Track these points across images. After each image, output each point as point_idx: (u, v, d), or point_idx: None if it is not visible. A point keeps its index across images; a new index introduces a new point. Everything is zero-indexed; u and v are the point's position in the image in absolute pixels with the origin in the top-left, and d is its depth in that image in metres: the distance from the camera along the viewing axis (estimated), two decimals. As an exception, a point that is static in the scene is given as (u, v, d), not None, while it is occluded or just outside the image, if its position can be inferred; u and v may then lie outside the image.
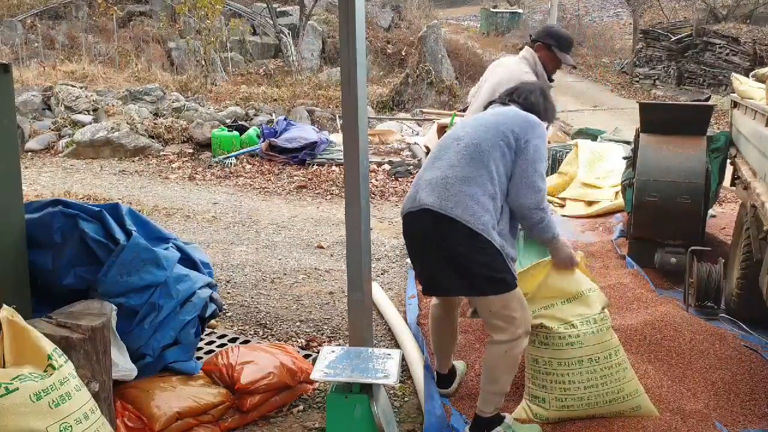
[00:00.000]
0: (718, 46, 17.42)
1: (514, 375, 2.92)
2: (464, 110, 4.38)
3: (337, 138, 9.84)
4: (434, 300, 3.25)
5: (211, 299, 3.39)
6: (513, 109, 3.01)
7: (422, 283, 3.00)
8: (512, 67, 4.10)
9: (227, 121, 11.13)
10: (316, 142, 9.61)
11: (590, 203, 6.84)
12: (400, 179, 8.72)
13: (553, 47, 4.08)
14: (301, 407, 3.31)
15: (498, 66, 4.27)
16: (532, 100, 3.07)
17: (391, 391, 3.41)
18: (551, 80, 4.24)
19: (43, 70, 15.13)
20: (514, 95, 3.10)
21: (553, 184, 7.58)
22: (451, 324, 3.26)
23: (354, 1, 2.65)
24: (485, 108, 3.21)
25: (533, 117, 2.95)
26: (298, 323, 4.34)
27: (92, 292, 2.93)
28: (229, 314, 4.42)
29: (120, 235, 3.03)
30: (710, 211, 5.81)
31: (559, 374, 2.91)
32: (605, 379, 2.92)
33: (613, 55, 23.57)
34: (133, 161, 9.81)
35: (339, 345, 3.93)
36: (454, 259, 2.77)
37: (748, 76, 5.12)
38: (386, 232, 6.55)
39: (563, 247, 2.99)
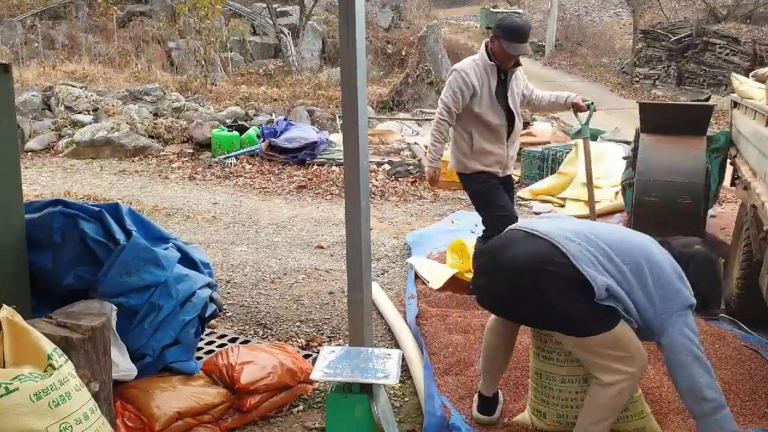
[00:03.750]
0: (718, 46, 17.40)
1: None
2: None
3: (337, 138, 9.83)
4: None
5: (211, 299, 3.39)
6: None
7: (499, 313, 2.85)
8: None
9: (227, 121, 11.12)
10: (316, 142, 9.60)
11: (590, 203, 6.82)
12: (400, 179, 8.71)
13: (499, 38, 4.18)
14: (301, 407, 3.31)
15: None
16: None
17: (391, 391, 3.41)
18: (504, 72, 4.28)
19: (43, 70, 15.13)
20: None
21: (553, 184, 7.60)
22: (510, 344, 2.99)
23: (354, 1, 2.65)
24: None
25: None
26: (298, 323, 4.34)
27: (92, 292, 2.93)
28: (229, 314, 4.42)
29: (120, 235, 3.03)
30: (710, 211, 5.81)
31: (560, 390, 2.82)
32: None
33: (613, 55, 23.56)
34: (133, 161, 9.80)
35: (339, 345, 3.92)
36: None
37: (748, 76, 5.12)
38: (386, 232, 6.54)
39: None
